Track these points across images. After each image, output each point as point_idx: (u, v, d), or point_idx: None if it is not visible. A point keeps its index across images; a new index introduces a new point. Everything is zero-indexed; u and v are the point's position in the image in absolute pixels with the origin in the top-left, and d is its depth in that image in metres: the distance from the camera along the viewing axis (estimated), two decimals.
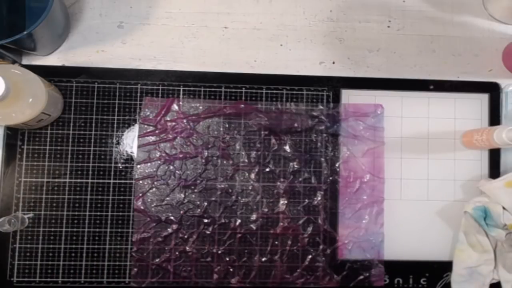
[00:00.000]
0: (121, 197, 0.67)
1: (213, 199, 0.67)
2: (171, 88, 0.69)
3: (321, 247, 0.68)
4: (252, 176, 0.68)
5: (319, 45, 0.72)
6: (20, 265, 0.65)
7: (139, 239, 0.66)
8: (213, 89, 0.69)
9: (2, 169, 0.66)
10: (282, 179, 0.68)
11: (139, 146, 0.67)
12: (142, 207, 0.66)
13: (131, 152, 0.67)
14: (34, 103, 0.58)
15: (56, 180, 0.66)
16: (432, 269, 0.69)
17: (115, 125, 0.68)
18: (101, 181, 0.67)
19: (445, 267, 0.68)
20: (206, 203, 0.67)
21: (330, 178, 0.69)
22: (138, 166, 0.67)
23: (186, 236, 0.67)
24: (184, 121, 0.68)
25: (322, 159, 0.69)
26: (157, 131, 0.67)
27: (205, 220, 0.67)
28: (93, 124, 0.67)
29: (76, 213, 0.66)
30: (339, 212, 0.68)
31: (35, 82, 0.59)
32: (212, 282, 0.66)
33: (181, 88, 0.69)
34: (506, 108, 0.71)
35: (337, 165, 0.69)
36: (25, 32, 0.57)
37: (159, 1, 0.71)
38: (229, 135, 0.68)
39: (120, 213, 0.66)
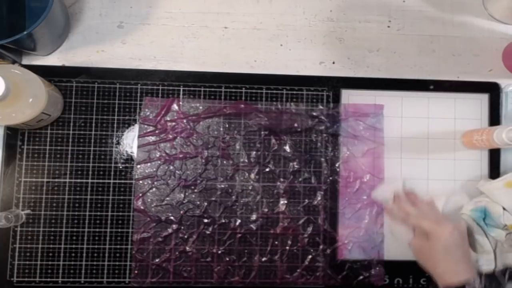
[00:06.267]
0: (121, 197, 0.67)
1: (213, 199, 0.67)
2: (171, 88, 0.69)
3: (321, 247, 0.68)
4: (252, 176, 0.68)
5: (319, 45, 0.72)
6: (20, 265, 0.65)
7: (139, 239, 0.66)
8: (213, 89, 0.69)
9: (2, 169, 0.66)
10: (282, 179, 0.68)
11: (139, 146, 0.67)
12: (142, 207, 0.66)
13: (131, 152, 0.67)
14: (34, 103, 0.58)
15: (56, 180, 0.66)
16: None
17: (115, 125, 0.68)
18: (101, 181, 0.67)
19: None
20: (206, 203, 0.67)
21: (330, 178, 0.69)
22: (138, 166, 0.67)
23: (186, 236, 0.67)
24: (184, 121, 0.68)
25: (322, 159, 0.69)
26: (157, 131, 0.67)
27: (205, 220, 0.67)
28: (93, 124, 0.67)
29: (76, 213, 0.66)
30: (339, 212, 0.68)
31: (35, 82, 0.59)
32: (212, 282, 0.66)
33: (181, 88, 0.69)
34: (506, 108, 0.71)
35: (337, 165, 0.69)
36: (25, 32, 0.57)
37: (159, 1, 0.71)
38: (229, 135, 0.68)
39: (120, 213, 0.66)
